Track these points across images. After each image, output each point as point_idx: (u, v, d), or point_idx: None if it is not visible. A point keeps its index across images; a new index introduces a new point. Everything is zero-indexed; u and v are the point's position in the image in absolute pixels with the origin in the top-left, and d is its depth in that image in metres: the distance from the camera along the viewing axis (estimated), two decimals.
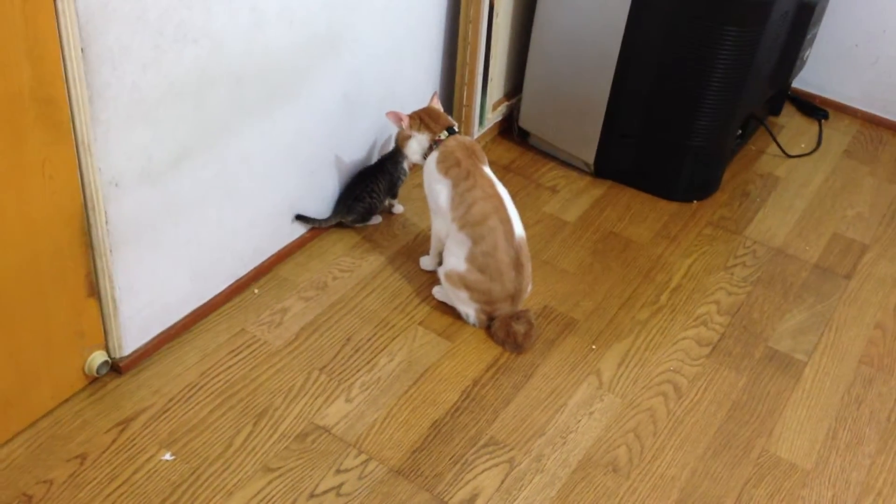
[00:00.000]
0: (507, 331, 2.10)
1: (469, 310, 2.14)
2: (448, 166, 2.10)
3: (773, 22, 2.43)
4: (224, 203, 2.03)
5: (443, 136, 2.14)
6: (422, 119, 2.17)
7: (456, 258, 2.09)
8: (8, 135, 1.49)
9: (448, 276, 2.12)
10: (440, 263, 2.20)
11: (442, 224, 2.16)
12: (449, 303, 2.19)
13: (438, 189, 2.12)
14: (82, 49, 1.53)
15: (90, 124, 1.61)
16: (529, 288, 2.14)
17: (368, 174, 2.40)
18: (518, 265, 2.06)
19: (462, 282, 2.09)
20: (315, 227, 2.35)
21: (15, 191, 1.55)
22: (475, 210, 2.05)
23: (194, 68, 1.77)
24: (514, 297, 2.10)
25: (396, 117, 2.17)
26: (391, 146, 2.46)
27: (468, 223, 2.06)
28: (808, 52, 2.99)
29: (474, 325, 2.16)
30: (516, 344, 2.10)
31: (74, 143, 1.61)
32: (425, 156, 2.17)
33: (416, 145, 2.17)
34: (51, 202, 1.62)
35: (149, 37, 1.64)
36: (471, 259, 2.06)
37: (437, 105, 2.24)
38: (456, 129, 2.18)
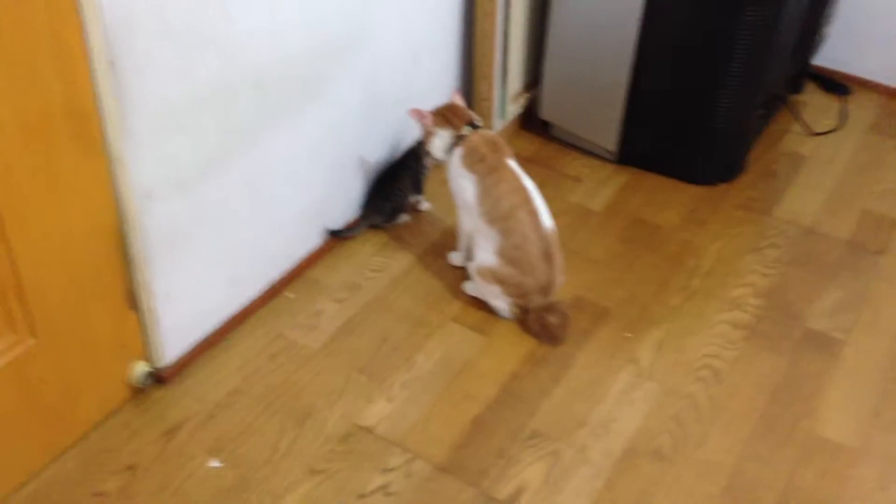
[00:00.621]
0: (541, 323, 2.10)
1: (502, 303, 2.14)
2: (473, 161, 2.09)
3: None
4: (254, 208, 2.03)
5: (466, 132, 2.14)
6: (444, 115, 2.17)
7: (486, 253, 2.09)
8: (43, 152, 1.50)
9: (479, 271, 2.12)
10: (470, 258, 2.20)
11: (469, 219, 2.15)
12: (481, 297, 2.19)
13: (464, 185, 2.12)
14: (111, 62, 1.53)
15: (122, 137, 1.61)
16: (561, 279, 2.13)
17: (392, 173, 2.41)
18: (548, 256, 2.06)
19: (493, 276, 2.09)
20: (349, 238, 2.36)
21: (53, 208, 1.56)
22: (502, 204, 2.05)
23: (219, 76, 1.78)
24: (547, 288, 2.09)
25: (419, 114, 2.16)
26: (410, 143, 2.46)
27: (496, 217, 2.05)
28: (828, 29, 2.97)
29: (508, 318, 2.16)
30: (552, 336, 2.10)
31: (107, 157, 1.61)
32: (449, 152, 2.16)
33: (439, 142, 2.17)
34: (87, 217, 1.63)
35: (174, 47, 1.65)
36: (501, 253, 2.06)
37: (459, 101, 2.23)
38: (479, 123, 2.17)
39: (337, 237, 2.33)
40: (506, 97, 2.73)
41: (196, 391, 1.96)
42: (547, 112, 2.82)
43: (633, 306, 2.24)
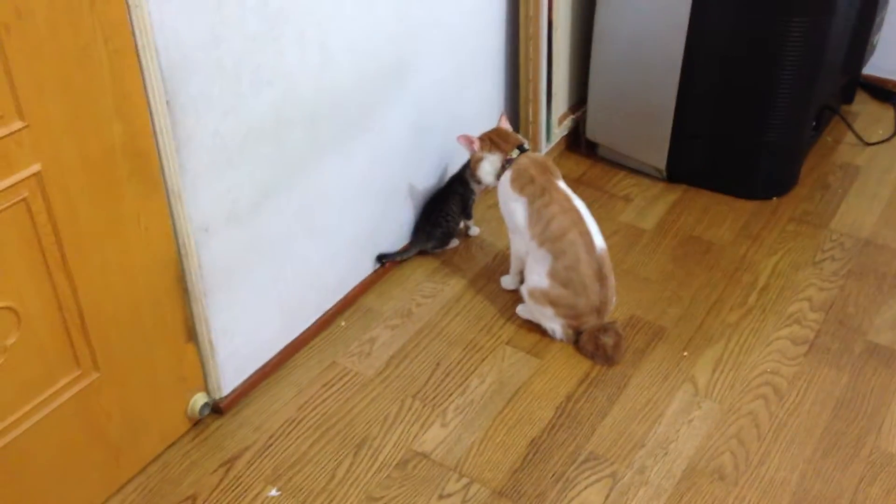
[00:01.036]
0: (595, 344, 2.09)
1: (555, 325, 2.13)
2: (522, 184, 2.10)
3: (841, 8, 2.38)
4: (306, 238, 2.07)
5: (514, 155, 2.15)
6: (492, 140, 2.18)
7: (538, 275, 2.09)
8: (105, 190, 1.55)
9: (531, 293, 2.12)
10: (522, 281, 2.20)
11: (520, 242, 2.16)
12: (534, 320, 2.19)
13: (514, 207, 2.12)
14: (167, 101, 1.58)
15: (179, 173, 1.66)
16: (614, 300, 2.12)
17: (440, 198, 2.42)
18: (601, 277, 2.05)
19: (546, 298, 2.08)
20: (399, 261, 2.38)
21: (115, 244, 1.60)
22: (554, 225, 2.05)
23: (271, 110, 1.82)
24: (600, 309, 2.08)
25: (467, 140, 2.18)
26: (457, 168, 2.47)
27: (548, 239, 2.05)
28: (877, 37, 2.92)
29: (561, 340, 2.15)
30: (606, 356, 2.08)
31: (165, 192, 1.66)
32: (498, 176, 2.17)
33: (488, 166, 2.18)
34: (147, 252, 1.68)
35: (228, 84, 1.69)
36: (553, 274, 2.06)
37: (506, 125, 2.24)
38: (527, 146, 2.18)
39: (387, 261, 2.35)
40: (552, 119, 2.74)
41: (253, 421, 1.98)
42: (594, 133, 2.81)
43: (689, 324, 2.21)
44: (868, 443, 1.90)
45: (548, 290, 2.07)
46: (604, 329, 2.09)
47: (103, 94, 1.48)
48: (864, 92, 3.16)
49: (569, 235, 2.03)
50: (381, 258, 2.35)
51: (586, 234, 2.04)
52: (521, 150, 2.16)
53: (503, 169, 2.16)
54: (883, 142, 2.91)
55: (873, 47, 2.93)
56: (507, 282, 2.32)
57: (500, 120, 2.25)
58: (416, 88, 2.25)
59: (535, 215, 2.08)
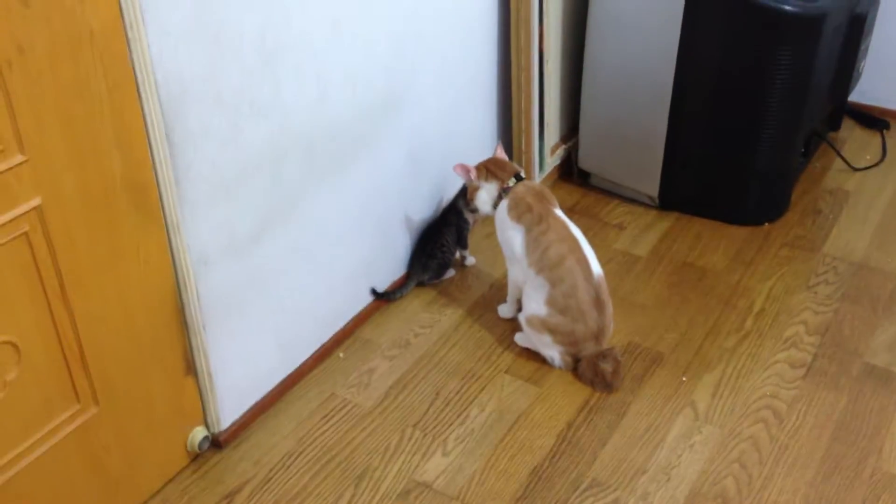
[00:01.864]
0: (594, 370, 2.09)
1: (553, 353, 2.13)
2: (520, 213, 2.11)
3: (827, 36, 2.42)
4: (304, 270, 2.07)
5: (511, 184, 2.16)
6: (489, 169, 2.20)
7: (536, 303, 2.10)
8: (105, 222, 1.55)
9: (529, 321, 2.12)
10: (519, 310, 2.20)
11: (518, 271, 2.16)
12: (532, 348, 2.19)
13: (512, 236, 2.13)
14: (167, 134, 1.59)
15: (177, 205, 1.66)
16: (612, 326, 2.12)
17: (435, 229, 2.43)
18: (599, 304, 2.06)
19: (544, 325, 2.09)
20: (397, 299, 2.38)
21: (114, 277, 1.60)
22: (551, 253, 2.06)
23: (268, 141, 1.83)
24: (598, 336, 2.09)
25: (464, 170, 2.20)
26: (449, 199, 2.48)
27: (545, 266, 2.06)
28: (863, 64, 2.97)
29: (560, 367, 2.15)
30: (606, 383, 2.08)
31: (164, 224, 1.66)
32: (495, 205, 2.19)
33: (485, 195, 2.19)
34: (146, 285, 1.68)
35: (226, 116, 1.70)
36: (551, 302, 2.06)
37: (503, 154, 2.26)
38: (523, 175, 2.20)
39: (384, 299, 2.35)
40: (545, 149, 2.76)
41: (252, 454, 1.97)
42: (586, 162, 2.84)
43: (687, 350, 2.22)
44: (869, 464, 1.90)
45: (546, 317, 2.07)
46: (602, 356, 2.09)
47: (103, 127, 1.49)
48: (850, 119, 3.21)
49: (566, 263, 2.04)
50: (379, 296, 2.35)
51: (583, 262, 2.05)
52: (518, 178, 2.18)
53: (500, 198, 2.17)
54: (871, 167, 2.95)
55: (859, 74, 2.98)
56: (505, 310, 2.32)
57: (496, 149, 2.27)
58: (411, 120, 2.27)
59: (532, 243, 2.09)
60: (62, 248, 1.49)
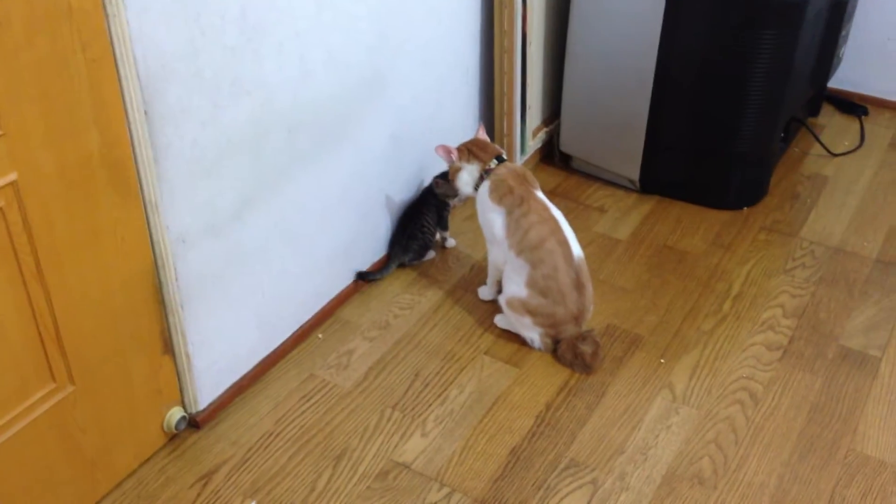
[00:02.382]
0: (574, 352, 2.10)
1: (533, 335, 2.14)
2: (501, 195, 2.11)
3: (808, 22, 2.43)
4: (284, 250, 2.06)
5: (492, 165, 2.16)
6: (470, 150, 2.19)
7: (516, 284, 2.10)
8: (82, 200, 1.53)
9: (509, 302, 2.12)
10: (499, 292, 2.20)
11: (498, 252, 2.17)
12: (512, 330, 2.20)
13: (493, 218, 2.13)
14: (145, 111, 1.57)
15: (156, 184, 1.65)
16: (592, 308, 2.13)
17: (415, 211, 2.43)
18: (579, 286, 2.06)
19: (524, 307, 2.09)
20: (378, 280, 2.37)
21: (91, 254, 1.59)
22: (531, 234, 2.06)
23: (250, 120, 1.82)
24: (578, 317, 2.09)
25: (446, 151, 2.19)
26: (429, 180, 2.48)
27: (526, 248, 2.06)
28: (843, 50, 2.99)
29: (540, 349, 2.16)
30: (585, 364, 2.09)
31: (143, 203, 1.65)
32: (477, 186, 2.18)
33: (467, 176, 2.19)
34: (124, 263, 1.66)
35: (206, 94, 1.69)
36: (531, 283, 2.07)
37: (484, 136, 2.26)
38: (504, 157, 2.20)
39: (365, 280, 2.35)
40: (527, 132, 2.76)
41: (230, 435, 1.96)
42: (567, 145, 2.84)
43: (665, 332, 2.23)
44: (843, 445, 1.92)
45: (526, 299, 2.08)
46: (582, 337, 2.10)
47: (81, 103, 1.47)
48: (830, 105, 3.23)
49: (546, 244, 2.05)
50: (360, 276, 2.34)
51: (564, 244, 2.06)
52: (500, 160, 2.18)
53: (481, 179, 2.17)
54: (849, 152, 2.97)
55: (839, 60, 3.00)
56: (485, 292, 2.33)
57: (478, 131, 2.27)
58: (393, 101, 2.26)
59: (513, 225, 2.09)
60: (38, 225, 1.48)
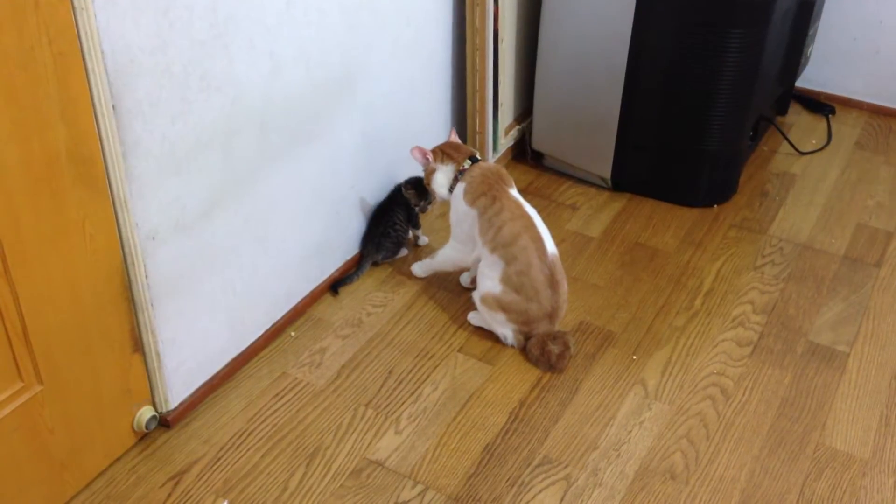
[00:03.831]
0: (542, 349, 2.10)
1: (507, 331, 2.14)
2: (475, 196, 2.12)
3: (776, 21, 2.46)
4: (256, 248, 2.04)
5: (466, 166, 2.16)
6: (444, 152, 2.20)
7: (490, 280, 2.10)
8: (49, 196, 1.51)
9: (483, 299, 2.12)
10: (473, 288, 2.20)
11: (459, 253, 2.22)
12: (486, 327, 2.20)
13: (466, 218, 2.14)
14: (113, 106, 1.55)
15: (125, 180, 1.63)
16: (566, 306, 2.14)
17: (387, 208, 2.42)
18: (553, 283, 2.07)
19: (498, 304, 2.09)
20: (354, 282, 2.37)
21: (59, 252, 1.56)
22: (505, 231, 2.06)
23: (220, 117, 1.80)
24: (552, 315, 2.10)
25: (421, 153, 2.20)
26: (402, 178, 2.47)
27: (499, 245, 2.07)
28: (810, 49, 3.03)
29: (513, 346, 2.16)
30: (549, 364, 2.10)
31: (111, 199, 1.63)
32: (451, 188, 2.18)
33: (442, 178, 2.19)
34: (92, 260, 1.64)
35: (175, 89, 1.67)
36: (505, 280, 2.07)
37: (456, 139, 2.27)
38: (478, 157, 2.20)
39: (341, 286, 2.34)
40: (499, 130, 2.76)
41: (202, 434, 1.94)
42: (540, 143, 2.85)
43: (638, 329, 2.24)
44: (813, 439, 1.95)
45: (500, 295, 2.08)
46: (553, 336, 2.10)
47: (47, 97, 1.45)
48: (798, 104, 3.26)
49: (520, 241, 2.05)
50: (336, 286, 2.33)
51: (538, 240, 2.06)
52: (474, 160, 2.18)
53: (456, 180, 2.17)
54: (816, 151, 3.01)
55: (806, 60, 3.03)
56: (417, 269, 2.38)
57: (450, 134, 2.28)
58: (365, 98, 2.25)
59: (486, 224, 2.09)
60: (4, 222, 1.45)
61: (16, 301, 1.52)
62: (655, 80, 2.52)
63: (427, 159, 2.20)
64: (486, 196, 2.10)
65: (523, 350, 2.15)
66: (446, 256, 2.27)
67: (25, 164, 1.45)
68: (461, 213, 2.16)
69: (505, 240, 2.05)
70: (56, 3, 1.41)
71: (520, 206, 2.10)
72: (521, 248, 2.04)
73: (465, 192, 2.13)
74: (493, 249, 2.07)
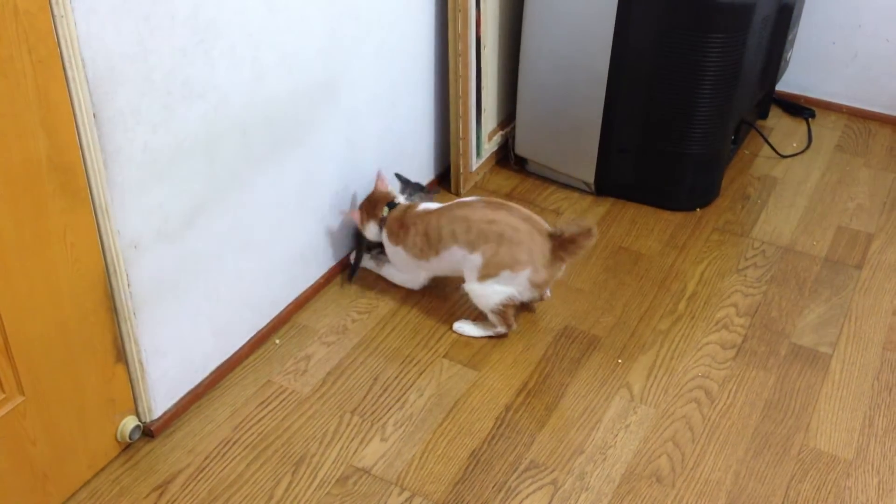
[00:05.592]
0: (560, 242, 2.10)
1: (513, 290, 2.12)
2: (396, 239, 2.26)
3: (756, 26, 2.48)
4: (240, 255, 2.03)
5: (385, 214, 2.28)
6: (365, 210, 2.32)
7: (475, 265, 2.12)
8: (29, 205, 1.49)
9: (480, 279, 2.12)
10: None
11: (407, 278, 2.33)
12: (484, 310, 2.16)
13: (396, 256, 2.29)
14: (94, 114, 1.54)
15: (106, 188, 1.62)
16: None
17: None
18: (528, 218, 2.12)
19: (493, 265, 2.09)
20: (358, 264, 2.43)
21: (39, 261, 1.55)
22: (443, 231, 2.15)
23: (202, 124, 1.79)
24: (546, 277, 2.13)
25: (354, 215, 2.33)
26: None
27: (478, 237, 2.12)
28: (790, 54, 3.05)
29: (521, 302, 2.16)
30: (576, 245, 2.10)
31: (93, 208, 1.61)
32: (379, 236, 2.33)
33: (373, 230, 2.32)
34: (74, 269, 1.62)
35: (157, 96, 1.66)
36: (486, 252, 2.10)
37: (381, 185, 2.34)
38: (396, 201, 2.30)
39: (354, 274, 2.41)
40: (482, 135, 2.77)
41: (186, 443, 1.93)
42: (523, 148, 2.85)
43: (622, 333, 2.25)
44: (797, 441, 1.96)
45: (489, 258, 2.10)
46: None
47: (27, 106, 1.44)
48: (778, 108, 3.29)
49: (456, 212, 2.16)
50: (351, 276, 2.41)
51: (469, 204, 2.18)
52: (391, 206, 2.28)
53: (381, 230, 2.30)
54: (797, 154, 3.03)
55: (786, 64, 3.06)
56: (389, 273, 2.42)
57: (376, 180, 2.35)
58: (349, 104, 2.25)
59: (418, 246, 2.21)
60: None
61: None
62: (637, 84, 2.53)
63: (356, 221, 2.33)
64: (406, 231, 2.22)
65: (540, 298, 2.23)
66: (394, 274, 2.37)
67: (5, 173, 1.43)
68: (393, 254, 2.29)
69: (482, 231, 2.10)
70: (36, 11, 1.40)
71: (446, 205, 2.20)
72: (462, 217, 2.13)
73: (388, 237, 2.28)
74: (473, 249, 2.12)
